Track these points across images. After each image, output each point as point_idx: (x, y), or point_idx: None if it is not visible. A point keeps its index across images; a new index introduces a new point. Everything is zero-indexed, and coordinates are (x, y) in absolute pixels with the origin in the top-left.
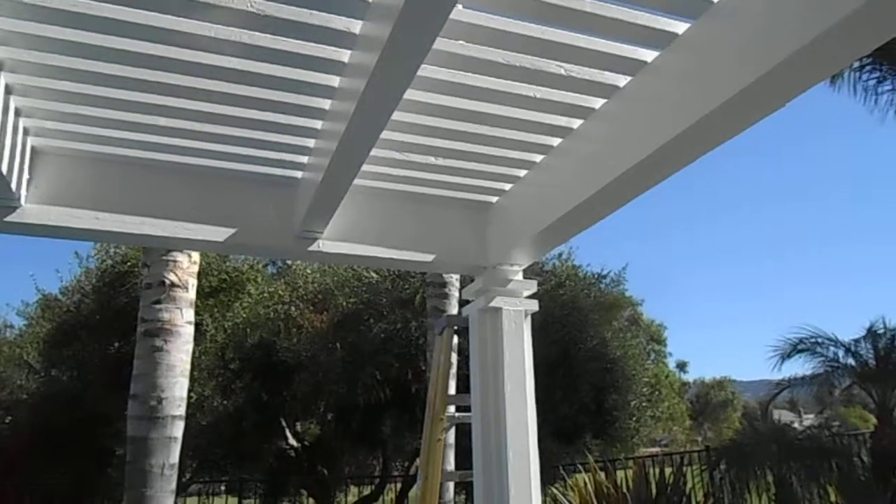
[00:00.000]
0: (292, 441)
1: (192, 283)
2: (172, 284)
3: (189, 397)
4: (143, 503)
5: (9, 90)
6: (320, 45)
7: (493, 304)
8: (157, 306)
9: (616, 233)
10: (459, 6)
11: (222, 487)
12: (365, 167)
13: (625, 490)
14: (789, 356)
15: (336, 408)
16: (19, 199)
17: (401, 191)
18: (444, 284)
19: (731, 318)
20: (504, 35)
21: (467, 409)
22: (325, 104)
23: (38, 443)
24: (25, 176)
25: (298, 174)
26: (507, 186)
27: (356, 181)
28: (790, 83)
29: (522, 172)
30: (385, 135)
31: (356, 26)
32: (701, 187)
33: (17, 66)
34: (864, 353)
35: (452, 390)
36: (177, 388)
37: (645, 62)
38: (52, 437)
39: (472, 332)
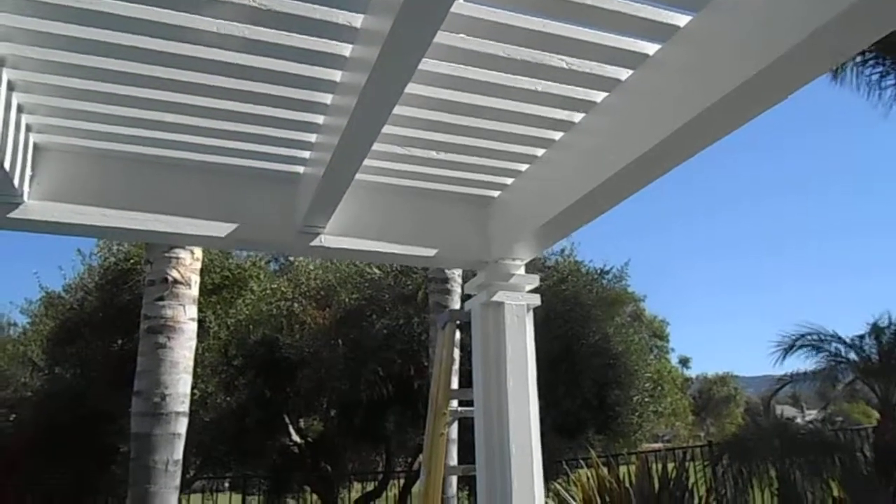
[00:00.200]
0: (295, 437)
1: (195, 279)
2: (175, 281)
3: (192, 394)
4: (147, 499)
5: (11, 86)
6: (322, 40)
7: (495, 298)
8: (161, 303)
9: (616, 228)
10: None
11: (226, 484)
12: (366, 162)
13: (627, 485)
14: (791, 352)
15: (339, 404)
16: (22, 195)
17: (403, 186)
18: (446, 280)
19: (731, 312)
20: (505, 28)
21: (470, 403)
22: (327, 99)
23: (42, 440)
24: (28, 172)
25: (300, 169)
26: (509, 181)
27: (358, 176)
28: (791, 76)
29: (524, 167)
30: (386, 129)
31: (357, 20)
32: (700, 182)
33: (19, 62)
34: (868, 349)
35: (455, 385)
36: (180, 384)
37: (647, 55)
38: (55, 435)
39: (475, 326)
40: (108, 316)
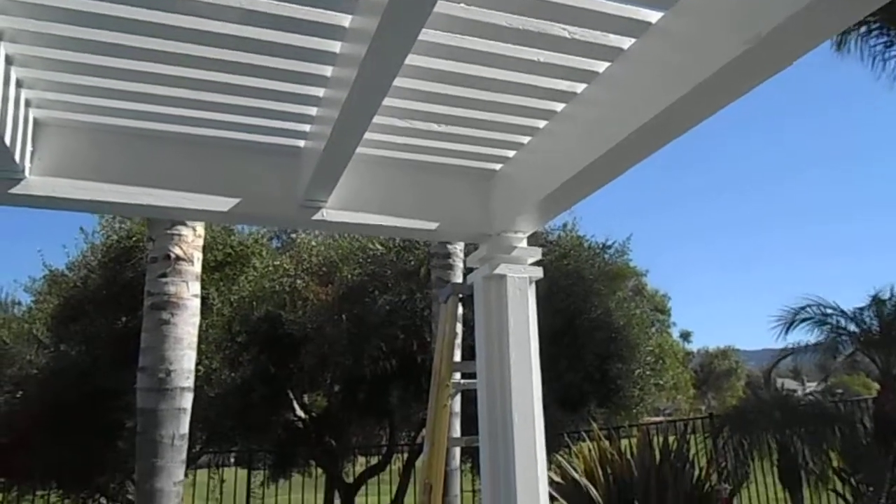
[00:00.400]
0: (300, 413)
1: (198, 256)
2: (178, 258)
3: (197, 370)
4: (154, 473)
5: (9, 60)
6: (321, 10)
7: (497, 271)
8: (163, 280)
9: (620, 206)
10: None
11: (232, 459)
12: (368, 135)
13: (629, 457)
14: (793, 326)
15: (342, 379)
16: (23, 171)
17: (404, 159)
18: (448, 255)
19: (731, 289)
20: None
21: (473, 375)
22: (327, 71)
23: (49, 417)
24: (29, 148)
25: (301, 143)
26: (511, 153)
27: (359, 150)
28: (793, 44)
29: (526, 139)
30: (387, 101)
31: None
32: (699, 164)
33: (16, 35)
34: (868, 321)
35: (458, 359)
36: (185, 360)
37: (650, 23)
38: (62, 411)
39: (477, 299)
40: (112, 293)
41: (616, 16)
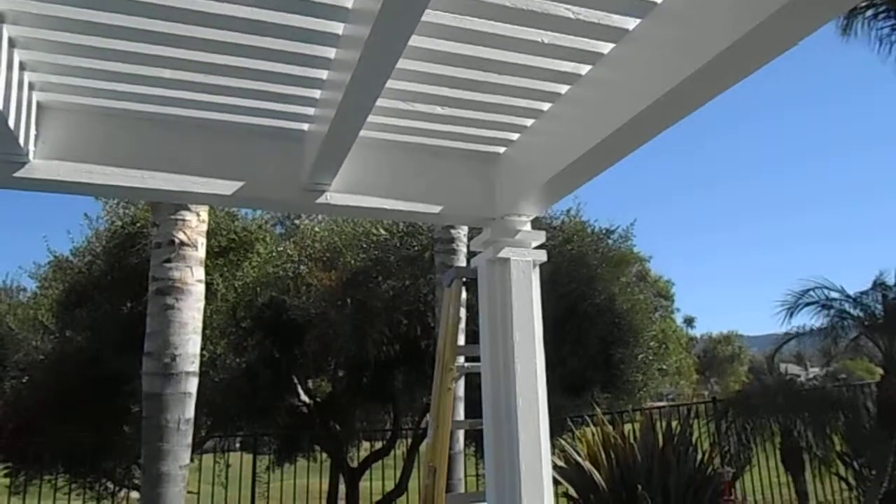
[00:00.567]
0: (304, 398)
1: (202, 241)
2: (182, 243)
3: (202, 355)
4: (160, 456)
5: (12, 43)
6: None
7: (501, 254)
8: (168, 265)
9: (624, 196)
10: None
11: (237, 443)
12: (371, 119)
13: (632, 441)
14: (797, 309)
15: (347, 364)
16: (27, 154)
17: (408, 142)
18: (451, 240)
19: (735, 275)
20: None
21: (477, 359)
22: (331, 53)
23: (56, 402)
24: (33, 131)
25: (305, 126)
26: (515, 136)
27: (363, 133)
28: (798, 25)
29: (530, 122)
30: (390, 84)
31: None
32: (700, 154)
33: (19, 17)
34: (872, 305)
35: (461, 343)
36: (190, 345)
37: (654, 3)
38: (68, 396)
39: (481, 282)
40: (117, 279)
41: None
